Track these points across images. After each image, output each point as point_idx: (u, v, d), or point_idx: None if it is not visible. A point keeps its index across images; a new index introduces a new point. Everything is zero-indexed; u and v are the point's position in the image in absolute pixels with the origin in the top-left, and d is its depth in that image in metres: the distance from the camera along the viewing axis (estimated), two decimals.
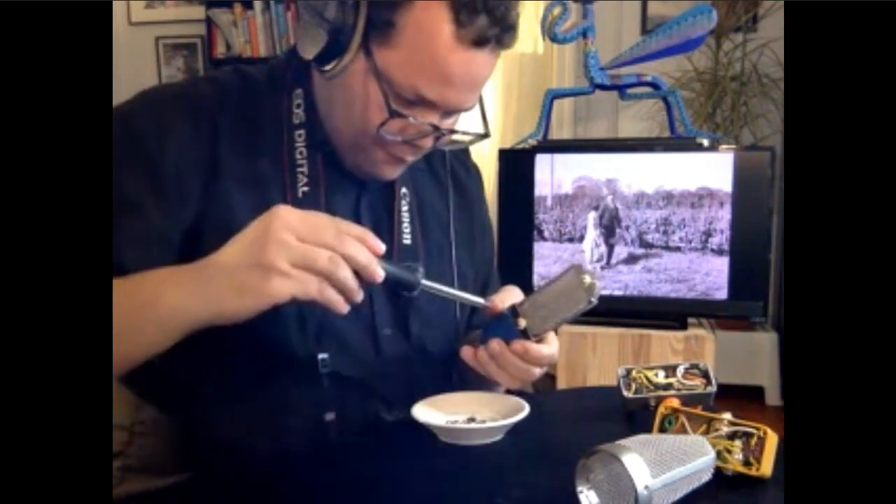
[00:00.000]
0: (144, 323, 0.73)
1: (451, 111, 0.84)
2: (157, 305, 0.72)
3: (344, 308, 0.72)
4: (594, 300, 0.79)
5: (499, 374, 0.84)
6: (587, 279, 0.79)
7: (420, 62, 0.78)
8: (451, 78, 0.79)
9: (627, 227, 2.12)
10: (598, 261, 2.16)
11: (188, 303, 0.72)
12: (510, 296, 0.86)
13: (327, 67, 0.81)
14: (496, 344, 0.82)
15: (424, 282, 0.79)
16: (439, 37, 0.77)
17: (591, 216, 2.14)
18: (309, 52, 0.81)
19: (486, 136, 0.88)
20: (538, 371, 0.84)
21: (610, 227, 2.14)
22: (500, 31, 0.79)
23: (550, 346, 0.84)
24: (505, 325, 0.82)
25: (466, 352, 0.86)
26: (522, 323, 0.81)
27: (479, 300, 0.83)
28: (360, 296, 0.73)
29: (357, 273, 0.72)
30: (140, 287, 0.73)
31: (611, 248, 2.15)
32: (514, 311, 0.82)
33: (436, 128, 0.83)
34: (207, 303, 0.71)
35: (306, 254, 0.70)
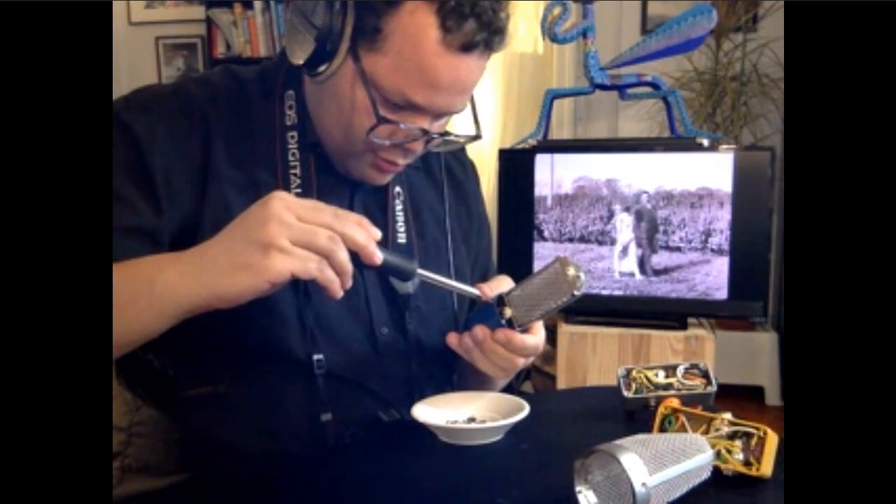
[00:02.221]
0: (138, 301, 0.71)
1: (440, 115, 0.84)
2: (152, 284, 0.71)
3: (339, 292, 0.72)
4: (577, 293, 0.78)
5: (482, 362, 0.84)
6: (571, 271, 0.78)
7: (407, 68, 0.78)
8: (438, 83, 0.79)
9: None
10: (630, 265, 2.09)
11: (184, 281, 0.70)
12: (500, 285, 0.86)
13: (316, 72, 0.81)
14: (480, 331, 0.83)
15: (420, 270, 0.79)
16: (426, 43, 0.77)
17: (624, 218, 2.09)
18: (298, 56, 0.81)
19: (477, 137, 0.88)
20: (522, 361, 0.84)
21: (650, 231, 2.07)
22: (487, 36, 0.79)
23: (536, 337, 0.84)
24: (491, 314, 0.82)
25: (451, 338, 0.86)
26: (508, 312, 0.81)
27: (472, 290, 0.84)
28: (351, 281, 0.73)
29: (355, 256, 0.72)
30: (136, 267, 0.73)
31: (642, 251, 2.08)
32: (501, 300, 0.82)
33: (425, 132, 0.83)
34: (204, 281, 0.70)
35: (306, 231, 0.70)
